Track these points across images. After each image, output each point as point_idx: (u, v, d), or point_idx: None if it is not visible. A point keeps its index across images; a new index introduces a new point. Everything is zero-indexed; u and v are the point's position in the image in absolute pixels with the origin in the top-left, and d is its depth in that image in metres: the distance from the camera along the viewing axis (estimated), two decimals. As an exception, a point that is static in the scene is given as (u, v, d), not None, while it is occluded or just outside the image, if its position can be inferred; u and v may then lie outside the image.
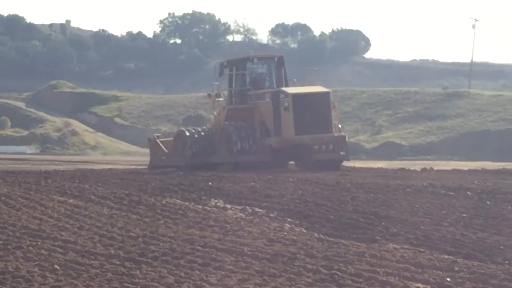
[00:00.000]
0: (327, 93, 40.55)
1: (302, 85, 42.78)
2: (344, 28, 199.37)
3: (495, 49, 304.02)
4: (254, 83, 41.18)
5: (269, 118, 39.18)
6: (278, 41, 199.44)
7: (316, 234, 20.14)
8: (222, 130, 40.27)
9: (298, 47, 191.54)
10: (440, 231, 20.17)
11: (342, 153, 40.10)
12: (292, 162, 41.68)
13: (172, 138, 45.34)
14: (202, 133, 41.57)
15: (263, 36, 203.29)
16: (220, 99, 42.02)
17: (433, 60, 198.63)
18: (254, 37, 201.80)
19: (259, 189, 27.56)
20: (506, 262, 16.75)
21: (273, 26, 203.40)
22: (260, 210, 23.66)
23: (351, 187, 28.93)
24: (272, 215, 22.95)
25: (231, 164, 38.73)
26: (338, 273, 15.03)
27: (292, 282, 14.26)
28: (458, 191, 27.73)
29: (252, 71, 42.09)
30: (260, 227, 20.91)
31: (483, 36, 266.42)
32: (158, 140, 44.15)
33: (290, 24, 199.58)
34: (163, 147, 43.03)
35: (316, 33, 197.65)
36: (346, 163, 42.51)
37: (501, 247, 18.27)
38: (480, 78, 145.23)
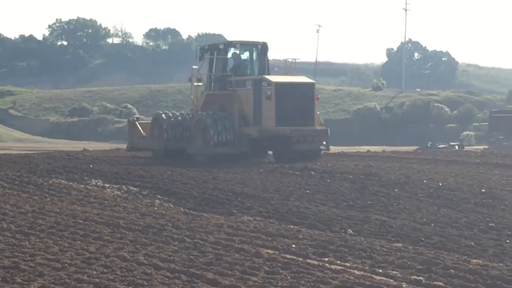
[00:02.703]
0: (312, 84, 35.02)
1: (285, 74, 36.20)
2: (208, 32, 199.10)
3: (335, 50, 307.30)
4: (236, 70, 35.24)
5: (249, 106, 33.64)
6: (151, 43, 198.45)
7: (181, 208, 20.13)
8: (198, 120, 34.31)
9: (169, 49, 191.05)
10: (287, 205, 20.32)
11: (323, 143, 34.65)
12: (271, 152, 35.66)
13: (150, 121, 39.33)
14: (179, 118, 36.01)
15: (138, 39, 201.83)
16: (199, 83, 36.02)
17: (284, 60, 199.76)
18: (130, 40, 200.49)
19: (134, 170, 27.38)
20: (342, 230, 16.97)
21: (147, 30, 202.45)
22: (134, 189, 23.53)
23: (213, 168, 28.96)
24: (144, 193, 22.86)
25: (207, 156, 33.19)
26: (200, 241, 15.05)
27: (161, 250, 14.23)
28: (303, 171, 27.93)
29: (234, 56, 35.90)
30: (134, 203, 20.83)
31: (325, 39, 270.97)
32: (137, 122, 38.86)
33: (162, 28, 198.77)
34: (141, 129, 37.68)
35: (184, 36, 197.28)
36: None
37: (338, 218, 18.50)
38: (323, 75, 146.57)
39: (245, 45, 36.23)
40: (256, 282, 11.76)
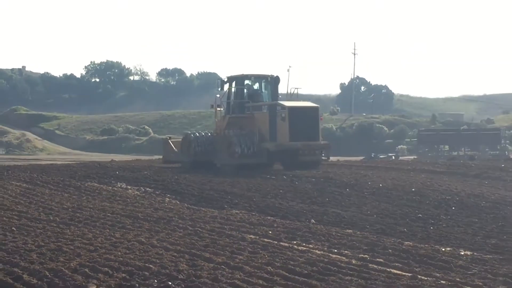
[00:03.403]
0: (317, 107, 33.40)
1: (291, 100, 34.36)
2: (206, 71, 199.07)
3: (302, 84, 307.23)
4: (251, 97, 34.11)
5: (265, 126, 32.43)
6: (163, 80, 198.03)
7: (185, 204, 20.06)
8: (224, 136, 33.36)
9: (176, 84, 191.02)
10: (265, 201, 20.29)
11: (323, 156, 33.33)
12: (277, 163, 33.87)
13: (180, 139, 37.97)
14: (205, 137, 34.88)
15: (153, 76, 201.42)
16: (220, 109, 34.89)
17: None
18: (147, 77, 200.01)
19: (149, 175, 27.30)
20: (307, 220, 16.95)
21: (159, 69, 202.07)
22: (150, 189, 23.43)
23: (210, 175, 28.92)
24: (157, 193, 22.77)
25: (233, 166, 31.82)
26: (199, 229, 15.01)
27: (170, 236, 14.18)
28: (277, 175, 27.98)
29: (248, 86, 34.74)
30: (149, 200, 20.74)
31: (294, 76, 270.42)
32: (170, 141, 37.80)
33: (171, 68, 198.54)
34: (173, 146, 36.81)
35: (188, 74, 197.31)
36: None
37: (304, 211, 18.49)
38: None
39: (258, 78, 35.15)
40: (241, 260, 11.73)
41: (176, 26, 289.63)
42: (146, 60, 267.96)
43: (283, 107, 31.95)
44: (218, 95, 35.26)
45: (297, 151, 31.77)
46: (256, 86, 35.04)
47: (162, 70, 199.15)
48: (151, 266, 11.01)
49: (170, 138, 39.45)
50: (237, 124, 33.86)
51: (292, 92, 34.45)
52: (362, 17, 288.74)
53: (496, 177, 28.18)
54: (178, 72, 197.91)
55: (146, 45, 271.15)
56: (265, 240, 13.92)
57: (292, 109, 31.94)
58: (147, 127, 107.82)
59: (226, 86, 34.96)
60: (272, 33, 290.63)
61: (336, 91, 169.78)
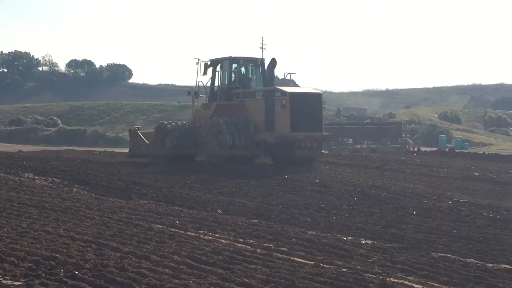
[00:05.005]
0: (320, 94, 29.69)
1: (286, 85, 31.02)
2: (115, 63, 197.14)
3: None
4: (239, 82, 30.40)
5: (259, 114, 28.85)
6: (72, 71, 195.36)
7: (93, 194, 19.81)
8: (212, 125, 29.61)
9: (86, 75, 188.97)
10: (173, 192, 20.23)
11: (324, 150, 29.31)
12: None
13: (151, 130, 34.53)
14: (184, 127, 31.41)
15: (62, 67, 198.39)
16: (201, 96, 31.36)
17: (172, 84, 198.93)
18: (56, 68, 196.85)
19: (57, 166, 26.81)
20: (214, 210, 16.97)
21: (68, 60, 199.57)
22: (57, 180, 23.01)
23: (118, 164, 28.64)
24: (65, 183, 22.38)
25: (222, 158, 28.53)
26: (107, 219, 14.83)
27: (77, 226, 13.97)
28: (191, 166, 27.91)
29: (237, 70, 30.87)
30: (57, 190, 20.34)
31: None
32: (138, 132, 33.94)
33: (80, 59, 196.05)
34: (143, 137, 33.03)
35: (97, 65, 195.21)
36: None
37: (211, 201, 18.52)
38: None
39: (246, 61, 31.30)
40: (148, 249, 11.65)
41: (86, 18, 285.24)
42: (55, 51, 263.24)
43: (284, 93, 28.39)
44: (200, 80, 31.39)
45: (299, 143, 28.40)
46: (242, 70, 31.42)
47: (71, 61, 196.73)
48: (57, 255, 10.83)
49: (138, 128, 35.60)
50: (224, 112, 30.17)
51: (285, 77, 31.61)
52: (269, 11, 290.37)
53: (397, 169, 28.78)
54: (88, 63, 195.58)
55: (56, 36, 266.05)
56: (172, 229, 13.86)
57: (294, 95, 28.43)
58: (56, 118, 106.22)
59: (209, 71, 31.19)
60: (178, 25, 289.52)
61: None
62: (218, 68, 31.31)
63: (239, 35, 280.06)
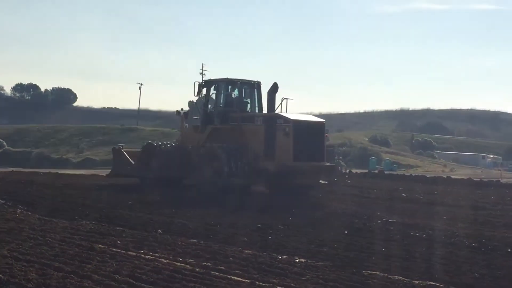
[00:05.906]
0: (323, 123, 27.20)
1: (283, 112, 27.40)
2: (60, 87, 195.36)
3: (156, 100, 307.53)
4: (237, 105, 28.28)
5: (258, 141, 26.22)
6: (18, 94, 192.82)
7: (37, 215, 19.44)
8: (208, 150, 26.93)
9: (31, 99, 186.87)
10: (114, 213, 20.00)
11: (322, 180, 27.27)
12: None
13: (137, 150, 31.93)
14: (173, 149, 29.26)
15: (8, 90, 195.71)
16: (195, 117, 29.25)
17: (115, 107, 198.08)
18: (2, 92, 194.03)
19: (1, 186, 26.34)
20: (154, 231, 16.83)
21: (14, 84, 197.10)
22: (1, 201, 22.53)
23: (63, 187, 28.23)
24: (9, 204, 21.96)
25: (217, 186, 25.79)
26: (49, 239, 14.57)
27: (20, 246, 13.67)
28: (133, 186, 27.69)
29: (230, 93, 28.63)
30: (1, 211, 19.92)
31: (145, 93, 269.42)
32: (123, 150, 31.32)
33: (26, 83, 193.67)
34: (128, 157, 30.50)
35: (43, 89, 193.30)
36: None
37: (152, 221, 18.34)
38: (145, 120, 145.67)
39: (242, 83, 28.99)
40: (90, 268, 11.49)
41: (32, 42, 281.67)
42: (1, 75, 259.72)
43: (287, 120, 25.90)
44: (193, 100, 29.52)
45: (301, 173, 25.99)
46: (236, 92, 29.11)
47: (17, 85, 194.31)
48: (0, 275, 10.61)
49: (122, 147, 32.62)
50: (220, 136, 27.80)
51: (282, 102, 27.89)
52: (208, 40, 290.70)
53: (330, 190, 28.98)
54: (33, 87, 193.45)
55: (1, 60, 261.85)
56: (114, 249, 13.70)
57: (297, 123, 26.03)
58: (1, 140, 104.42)
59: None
60: (120, 51, 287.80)
61: (186, 108, 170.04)
62: (212, 89, 29.22)
63: (180, 60, 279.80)
